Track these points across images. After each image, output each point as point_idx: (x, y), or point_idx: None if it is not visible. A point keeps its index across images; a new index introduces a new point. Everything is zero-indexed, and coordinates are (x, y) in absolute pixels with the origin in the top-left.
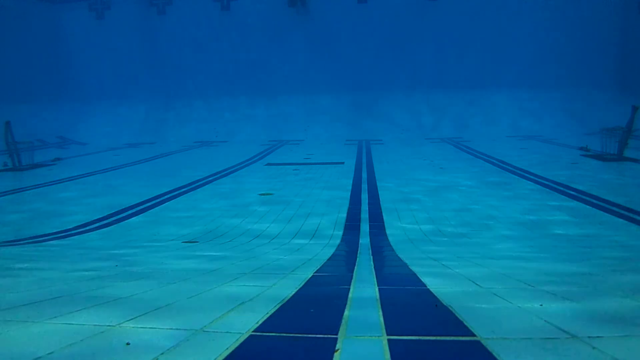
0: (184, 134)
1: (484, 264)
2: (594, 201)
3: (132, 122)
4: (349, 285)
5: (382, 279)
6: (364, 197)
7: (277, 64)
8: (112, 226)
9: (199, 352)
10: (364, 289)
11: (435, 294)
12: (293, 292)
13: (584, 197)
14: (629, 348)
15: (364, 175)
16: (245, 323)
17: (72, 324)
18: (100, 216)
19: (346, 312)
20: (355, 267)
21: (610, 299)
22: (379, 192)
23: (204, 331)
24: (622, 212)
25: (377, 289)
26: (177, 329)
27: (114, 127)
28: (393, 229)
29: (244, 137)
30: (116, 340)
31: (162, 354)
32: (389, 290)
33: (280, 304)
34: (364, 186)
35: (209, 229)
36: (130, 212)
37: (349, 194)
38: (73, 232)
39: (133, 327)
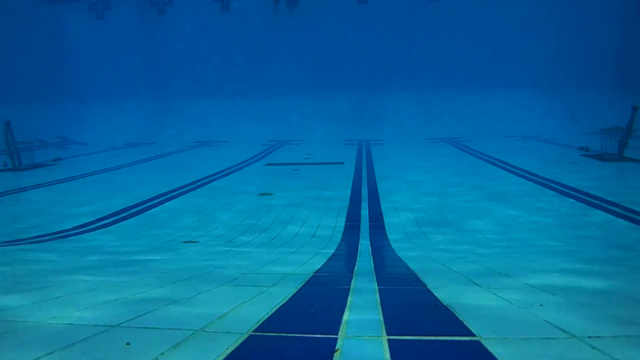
0: (184, 134)
1: (478, 261)
2: (594, 201)
3: (132, 122)
4: (349, 285)
5: (382, 279)
6: (364, 196)
7: (277, 64)
8: (113, 226)
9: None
10: (364, 288)
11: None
12: (293, 292)
13: (583, 197)
14: (628, 348)
15: (364, 175)
16: (245, 323)
17: None
18: (101, 216)
19: (346, 312)
20: (355, 267)
21: None
22: (379, 192)
23: (204, 331)
24: (622, 212)
25: (377, 289)
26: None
27: (114, 127)
28: (393, 229)
29: (244, 137)
30: None
31: (164, 352)
32: (388, 290)
33: (280, 304)
34: (364, 186)
35: (208, 229)
36: (129, 212)
37: (349, 193)
38: (73, 232)
39: None
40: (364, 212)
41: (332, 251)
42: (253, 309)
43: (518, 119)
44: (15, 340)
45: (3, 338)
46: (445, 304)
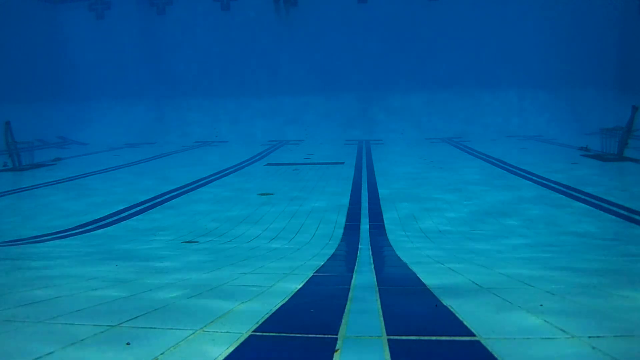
0: (184, 134)
1: (483, 263)
2: (594, 201)
3: (132, 122)
4: (349, 285)
5: (382, 279)
6: (364, 196)
7: (277, 64)
8: (113, 226)
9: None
10: (364, 288)
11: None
12: (293, 292)
13: (583, 197)
14: (628, 348)
15: (364, 174)
16: (245, 322)
17: None
18: (101, 216)
19: (346, 312)
20: (355, 267)
21: None
22: (379, 192)
23: (204, 331)
24: (622, 212)
25: (377, 289)
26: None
27: (114, 127)
28: (393, 229)
29: (244, 137)
30: None
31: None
32: (389, 290)
33: (280, 304)
34: (364, 185)
35: (209, 229)
36: (129, 212)
37: (349, 193)
38: (73, 232)
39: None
40: (364, 212)
41: (332, 251)
42: (252, 310)
43: (518, 118)
44: None
45: None
46: (445, 304)
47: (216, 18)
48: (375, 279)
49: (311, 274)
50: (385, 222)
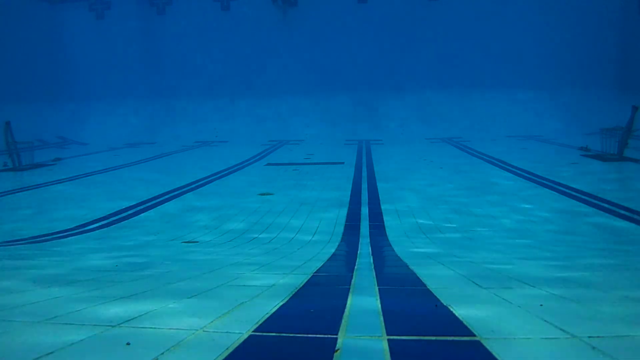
0: (184, 134)
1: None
2: (594, 201)
3: (132, 122)
4: (349, 285)
5: (382, 279)
6: (364, 196)
7: (277, 64)
8: (112, 226)
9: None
10: (364, 289)
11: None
12: (293, 292)
13: (583, 197)
14: (629, 348)
15: (364, 174)
16: (245, 323)
17: None
18: (100, 216)
19: (346, 312)
20: (355, 267)
21: None
22: (379, 191)
23: (204, 331)
24: (622, 212)
25: (377, 289)
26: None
27: (114, 127)
28: (393, 229)
29: (244, 137)
30: None
31: (167, 350)
32: (388, 290)
33: (280, 304)
34: (364, 185)
35: (208, 229)
36: (130, 212)
37: (349, 193)
38: (73, 232)
39: None
40: (364, 212)
41: (332, 251)
42: (252, 310)
43: (518, 119)
44: None
45: None
46: (445, 304)
47: (216, 18)
48: (375, 278)
49: (311, 274)
50: (385, 222)
